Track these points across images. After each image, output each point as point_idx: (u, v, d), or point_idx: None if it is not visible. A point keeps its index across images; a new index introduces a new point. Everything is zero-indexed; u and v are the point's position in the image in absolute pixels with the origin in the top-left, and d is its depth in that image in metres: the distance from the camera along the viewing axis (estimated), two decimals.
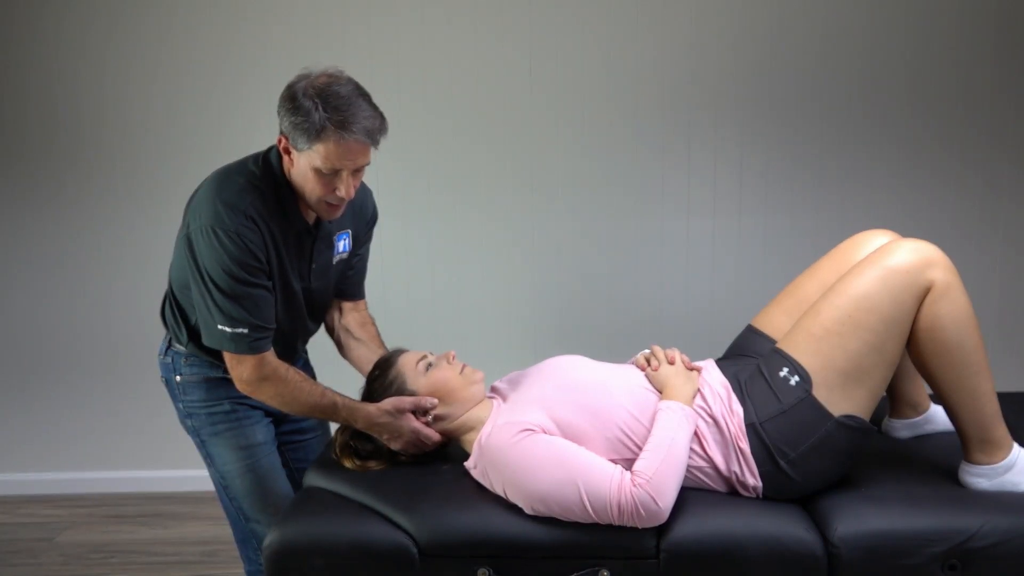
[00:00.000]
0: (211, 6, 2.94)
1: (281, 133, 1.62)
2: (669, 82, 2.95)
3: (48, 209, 3.08)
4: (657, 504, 1.44)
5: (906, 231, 1.75)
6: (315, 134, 1.55)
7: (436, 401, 1.67)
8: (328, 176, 1.60)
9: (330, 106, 1.55)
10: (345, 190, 1.62)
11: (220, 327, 1.63)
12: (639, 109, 2.97)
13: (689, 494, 1.55)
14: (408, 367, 1.71)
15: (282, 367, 1.69)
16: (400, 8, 2.93)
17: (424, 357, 1.73)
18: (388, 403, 1.67)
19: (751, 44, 2.92)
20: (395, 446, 1.70)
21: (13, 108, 3.02)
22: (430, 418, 1.68)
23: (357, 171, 1.64)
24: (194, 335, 1.77)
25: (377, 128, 1.60)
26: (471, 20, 2.94)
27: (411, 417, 1.67)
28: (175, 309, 1.79)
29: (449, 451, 1.75)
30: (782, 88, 2.95)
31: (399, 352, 1.77)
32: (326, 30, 2.93)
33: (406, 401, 1.67)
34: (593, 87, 2.96)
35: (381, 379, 1.73)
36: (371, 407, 1.68)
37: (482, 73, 2.96)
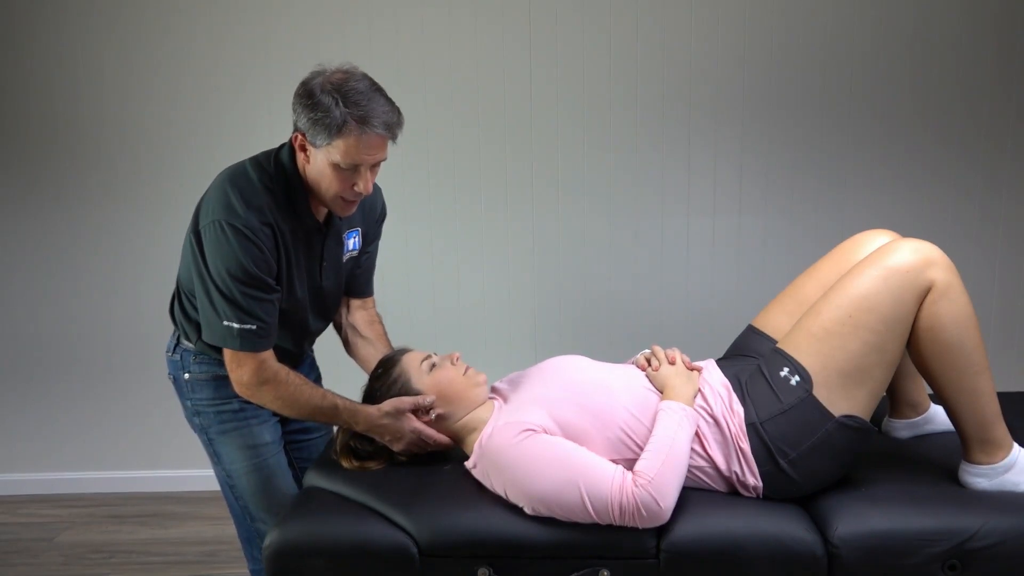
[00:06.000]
0: (211, 7, 2.94)
1: (297, 130, 1.63)
2: (670, 82, 2.95)
3: (48, 209, 3.08)
4: (659, 505, 1.44)
5: (906, 231, 1.75)
6: (336, 130, 1.56)
7: (434, 398, 1.66)
8: (347, 171, 1.61)
9: (350, 101, 1.56)
10: (364, 185, 1.63)
11: (227, 323, 1.62)
12: (639, 109, 2.97)
13: (689, 494, 1.55)
14: (412, 366, 1.71)
15: (282, 371, 1.68)
16: (401, 5, 2.93)
17: (428, 357, 1.73)
18: (388, 404, 1.67)
19: (752, 44, 2.92)
20: (397, 447, 1.70)
21: (13, 107, 3.02)
22: (432, 416, 1.67)
23: (374, 166, 1.65)
24: None
25: (396, 122, 1.61)
26: (471, 19, 2.94)
27: (412, 418, 1.67)
28: (184, 307, 1.80)
29: (450, 451, 1.75)
30: (783, 88, 2.95)
31: (403, 351, 1.77)
32: (326, 29, 2.93)
33: (405, 401, 1.66)
34: (594, 87, 2.96)
35: (384, 377, 1.72)
36: (371, 409, 1.68)
37: (482, 73, 2.96)
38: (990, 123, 2.95)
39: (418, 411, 1.68)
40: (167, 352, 1.88)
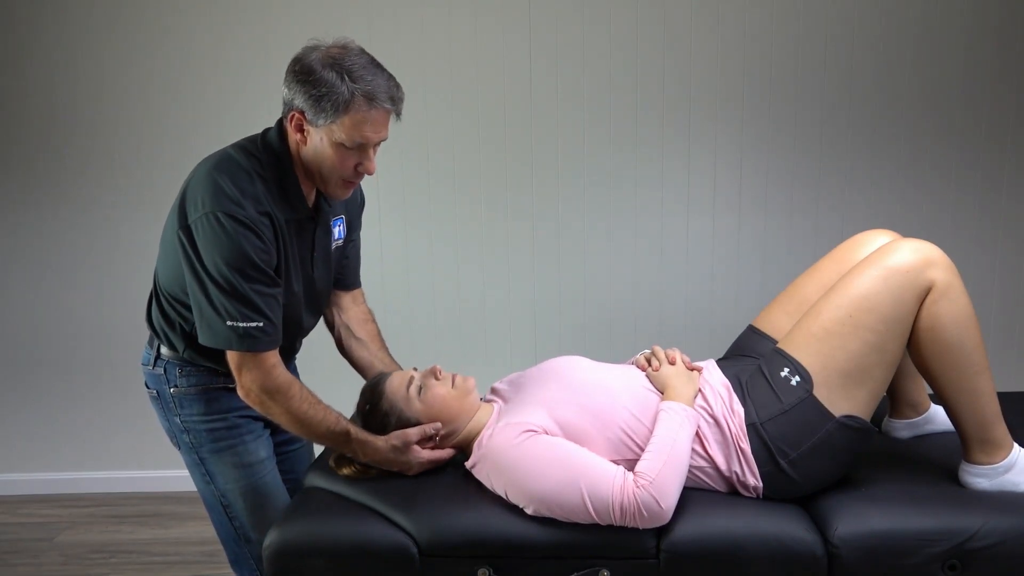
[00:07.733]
0: (211, 7, 2.94)
1: (293, 109, 1.55)
2: (670, 82, 2.95)
3: (47, 208, 3.08)
4: (660, 505, 1.44)
5: (907, 231, 1.75)
6: (343, 106, 1.49)
7: (440, 425, 1.63)
8: (352, 151, 1.55)
9: (355, 76, 1.50)
10: (369, 165, 1.58)
11: (231, 323, 1.51)
12: (639, 108, 2.97)
13: (689, 494, 1.55)
14: (399, 395, 1.66)
15: (295, 385, 1.60)
16: (401, 5, 2.93)
17: (411, 380, 1.68)
18: (395, 438, 1.62)
19: (752, 43, 2.92)
20: (410, 474, 1.66)
21: (12, 108, 3.02)
22: (437, 440, 1.65)
23: (377, 145, 1.59)
24: (193, 339, 1.64)
25: (400, 96, 1.56)
26: (471, 19, 2.94)
27: (418, 449, 1.63)
28: (168, 312, 1.67)
29: None
30: (783, 88, 2.95)
31: (383, 378, 1.71)
32: (326, 29, 2.92)
33: (411, 434, 1.62)
34: (594, 87, 2.96)
35: (374, 413, 1.67)
36: (379, 442, 1.62)
37: (482, 73, 2.96)
38: (991, 123, 2.95)
39: (423, 440, 1.64)
40: (145, 365, 1.74)
